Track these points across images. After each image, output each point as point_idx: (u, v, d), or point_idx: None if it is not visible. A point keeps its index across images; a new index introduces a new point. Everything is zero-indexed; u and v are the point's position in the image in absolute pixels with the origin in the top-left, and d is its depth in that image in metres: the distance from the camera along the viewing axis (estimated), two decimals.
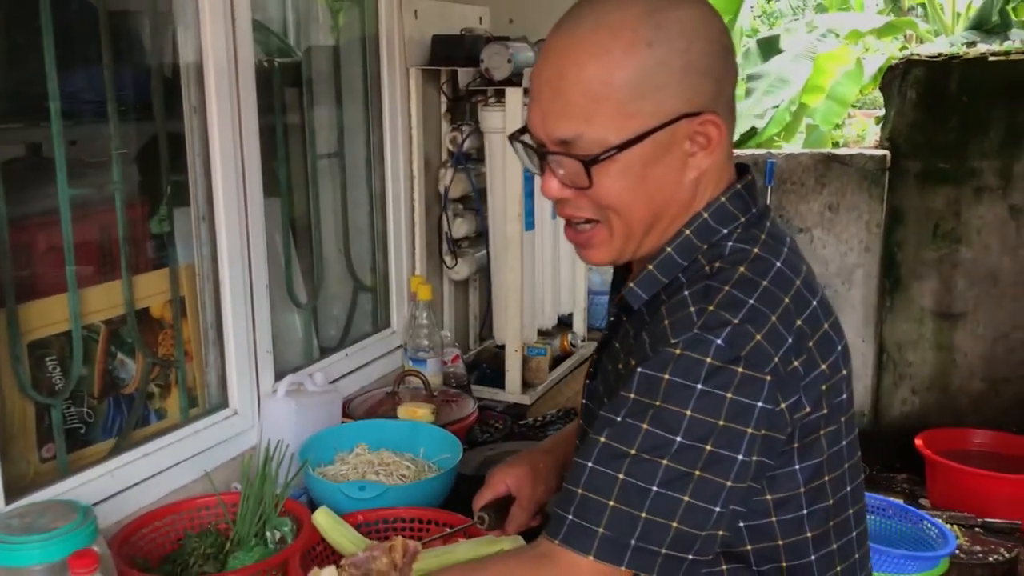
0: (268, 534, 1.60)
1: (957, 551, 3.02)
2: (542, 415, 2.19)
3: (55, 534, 1.29)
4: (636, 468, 0.94)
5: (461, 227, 2.48)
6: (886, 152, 3.83)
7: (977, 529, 3.40)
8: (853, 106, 8.37)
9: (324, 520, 1.56)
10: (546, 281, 2.59)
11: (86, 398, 1.69)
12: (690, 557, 0.94)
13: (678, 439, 0.93)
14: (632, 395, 0.97)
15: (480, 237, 2.54)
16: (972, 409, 3.91)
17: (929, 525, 3.06)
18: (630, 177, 1.03)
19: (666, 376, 0.95)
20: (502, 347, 2.60)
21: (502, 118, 2.28)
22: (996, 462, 3.63)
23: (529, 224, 2.38)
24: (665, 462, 0.93)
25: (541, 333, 2.63)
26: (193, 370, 1.87)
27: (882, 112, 3.89)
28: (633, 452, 0.94)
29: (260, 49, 2.10)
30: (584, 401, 1.23)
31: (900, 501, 3.41)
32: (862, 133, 8.50)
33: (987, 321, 3.83)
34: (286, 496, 1.65)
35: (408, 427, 1.95)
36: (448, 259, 2.50)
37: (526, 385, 2.41)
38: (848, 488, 1.09)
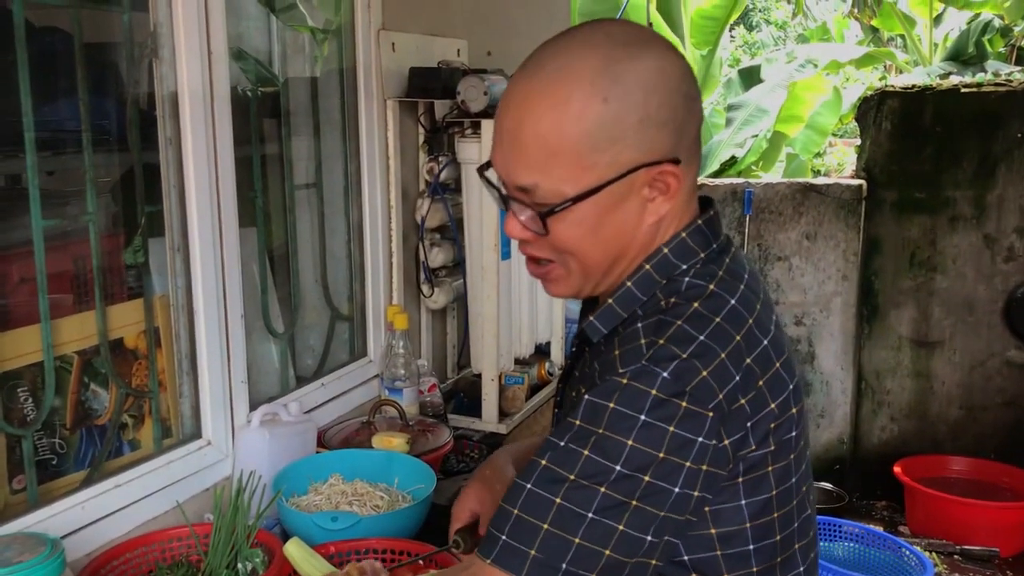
0: (240, 566, 1.60)
1: None
2: None
3: (21, 567, 1.28)
4: (573, 494, 0.95)
5: (438, 256, 2.49)
6: (862, 182, 3.88)
7: (956, 557, 3.42)
8: (834, 135, 8.47)
9: (295, 551, 1.56)
10: (523, 310, 2.60)
11: (58, 429, 1.69)
12: None
13: (617, 467, 0.94)
14: (577, 421, 0.98)
15: (457, 266, 2.56)
16: (950, 436, 3.94)
17: (908, 553, 3.07)
18: (586, 225, 1.05)
19: (611, 404, 0.96)
20: (479, 376, 2.61)
21: (478, 149, 2.31)
22: (975, 489, 3.65)
23: (505, 254, 2.40)
24: (603, 489, 0.94)
25: (518, 362, 2.64)
26: (167, 400, 1.87)
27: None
28: (572, 477, 0.95)
29: (246, 76, 2.12)
30: (556, 410, 1.24)
31: (879, 529, 3.43)
32: (843, 161, 8.59)
33: (964, 349, 3.87)
34: (258, 527, 1.65)
35: (383, 457, 1.95)
36: (425, 288, 2.51)
37: (503, 414, 2.42)
38: (795, 524, 1.10)
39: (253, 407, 1.96)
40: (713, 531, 1.03)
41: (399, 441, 2.00)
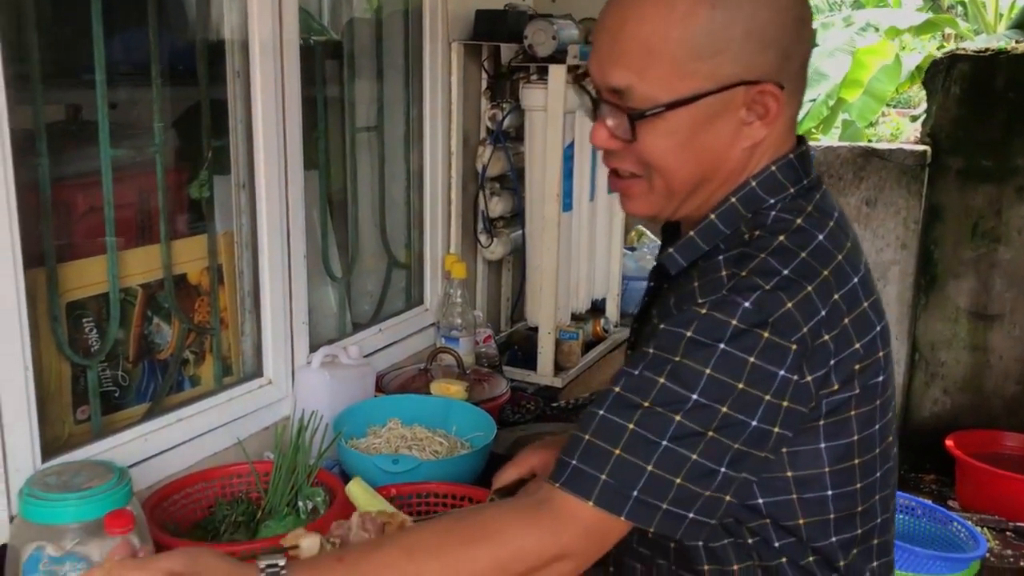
0: (300, 504, 1.59)
1: (988, 555, 2.98)
2: (574, 398, 2.17)
3: (91, 493, 1.28)
4: (648, 420, 0.92)
5: (497, 206, 2.45)
6: (926, 148, 3.77)
7: (1008, 533, 3.35)
8: (888, 104, 8.28)
9: (358, 491, 1.54)
10: (581, 264, 2.55)
11: (121, 361, 1.69)
12: (691, 516, 0.93)
13: (694, 397, 0.91)
14: (652, 350, 0.95)
15: (516, 217, 2.52)
16: (1005, 412, 3.85)
17: (959, 527, 3.01)
18: (676, 138, 1.00)
19: (688, 333, 0.93)
20: (534, 330, 2.58)
21: (544, 96, 2.25)
22: None
23: (567, 205, 2.35)
24: (678, 418, 0.91)
25: (574, 317, 2.60)
26: (228, 338, 1.86)
27: (917, 111, 3.84)
28: (646, 404, 0.92)
29: (311, 15, 2.09)
30: (628, 351, 1.21)
31: (929, 501, 3.37)
32: (896, 132, 8.40)
33: None
34: (319, 467, 1.64)
35: (441, 403, 1.93)
36: (483, 238, 2.48)
37: (558, 368, 2.39)
38: (878, 473, 1.06)
39: (312, 350, 1.95)
40: (790, 474, 1.00)
41: (457, 388, 1.97)
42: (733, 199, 1.04)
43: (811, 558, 1.03)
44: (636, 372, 0.94)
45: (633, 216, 1.16)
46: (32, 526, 1.27)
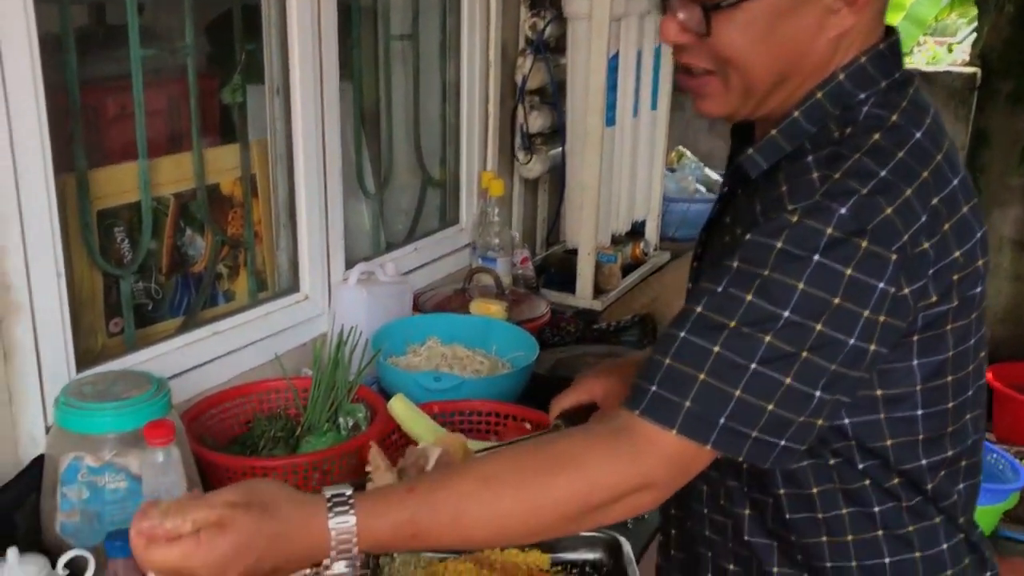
0: (341, 420, 1.55)
1: None
2: (615, 320, 2.10)
3: (129, 402, 1.23)
4: (734, 342, 0.84)
5: (537, 121, 2.36)
6: (976, 70, 3.62)
7: None
8: (924, 33, 8.01)
9: (401, 408, 1.49)
10: (622, 183, 2.47)
11: (154, 273, 1.63)
12: (782, 443, 0.86)
13: (785, 314, 0.83)
14: (736, 263, 0.86)
15: (555, 134, 2.42)
16: None
17: (998, 457, 2.96)
18: (755, 30, 0.91)
19: (778, 244, 0.84)
20: (571, 252, 2.51)
21: (588, 3, 2.14)
22: None
23: (610, 119, 2.26)
24: (768, 338, 0.83)
25: (612, 240, 2.52)
26: (262, 252, 1.80)
27: (954, 40, 3.68)
28: (732, 324, 0.84)
29: None
30: (689, 285, 1.13)
31: None
32: (933, 60, 8.15)
33: None
34: (359, 383, 1.59)
35: (481, 323, 1.88)
36: (521, 155, 2.39)
37: (597, 291, 2.32)
38: (970, 391, 0.98)
39: (348, 267, 1.89)
40: (879, 392, 0.93)
41: (497, 308, 1.91)
42: (819, 94, 0.95)
43: (896, 480, 0.96)
44: (719, 289, 0.86)
45: (707, 117, 1.05)
46: (69, 435, 1.23)
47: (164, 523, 0.78)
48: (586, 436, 0.89)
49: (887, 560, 0.97)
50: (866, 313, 0.84)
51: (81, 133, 1.44)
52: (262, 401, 1.61)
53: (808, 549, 0.97)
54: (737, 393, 0.84)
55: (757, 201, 0.93)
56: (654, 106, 2.54)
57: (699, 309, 0.87)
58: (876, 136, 0.89)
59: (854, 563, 0.97)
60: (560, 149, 2.41)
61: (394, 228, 2.24)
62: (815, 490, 0.95)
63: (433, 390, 1.61)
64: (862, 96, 0.94)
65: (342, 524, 0.81)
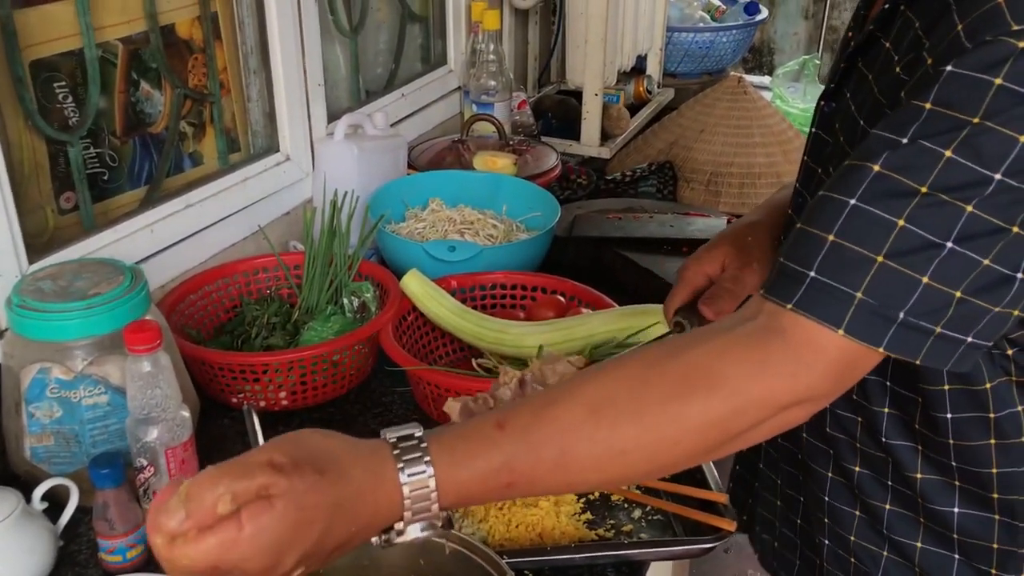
0: (345, 301, 1.34)
1: None
2: (630, 170, 1.88)
3: (101, 300, 1.01)
4: (926, 213, 0.63)
5: None
6: None
7: None
8: None
9: (416, 285, 1.29)
10: (627, 13, 2.18)
11: (107, 137, 1.37)
12: (968, 340, 0.67)
13: (997, 177, 0.62)
14: (929, 105, 0.64)
15: None
16: None
17: None
18: None
19: (997, 81, 0.62)
20: (566, 93, 2.27)
21: None
22: None
23: None
24: (970, 208, 0.63)
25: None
26: (231, 106, 1.53)
27: None
28: (924, 190, 0.63)
29: None
30: (814, 130, 0.90)
31: None
32: None
33: None
34: (360, 256, 1.38)
35: (489, 180, 1.65)
36: None
37: (604, 136, 2.09)
38: None
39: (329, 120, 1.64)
40: None
41: (505, 162, 1.68)
42: None
43: None
44: (905, 140, 0.65)
45: None
46: (29, 344, 1.01)
47: (188, 508, 0.57)
48: (719, 342, 0.68)
49: None
50: None
51: None
52: (249, 282, 1.39)
53: (967, 453, 0.80)
54: (924, 279, 0.64)
55: (955, 14, 0.67)
56: None
57: (876, 167, 0.65)
58: None
59: None
60: None
61: (373, 74, 1.96)
62: (988, 386, 0.78)
63: (447, 262, 1.40)
64: None
65: (416, 477, 0.62)
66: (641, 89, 2.31)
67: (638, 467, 0.68)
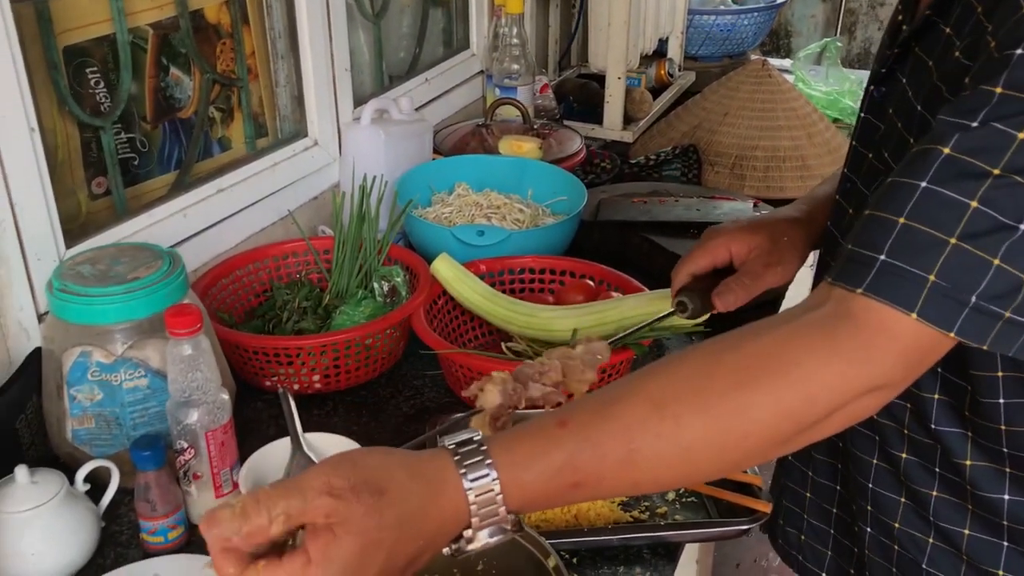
0: (376, 286, 1.34)
1: None
2: (654, 154, 1.88)
3: (140, 284, 1.01)
4: (999, 195, 0.62)
5: None
6: None
7: None
8: None
9: (447, 269, 1.29)
10: None
11: (137, 122, 1.37)
12: None
13: None
14: (1000, 89, 0.63)
15: None
16: None
17: None
18: None
19: None
20: (587, 77, 2.26)
21: None
22: None
23: None
24: None
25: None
26: (259, 91, 1.54)
27: None
28: (997, 172, 0.62)
29: None
30: (863, 115, 0.90)
31: None
32: None
33: None
34: (390, 241, 1.38)
35: (515, 164, 1.65)
36: None
37: (627, 119, 2.08)
38: None
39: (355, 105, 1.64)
40: None
41: (531, 146, 1.69)
42: None
43: None
44: (976, 124, 0.64)
45: None
46: (69, 327, 1.02)
47: (244, 524, 0.56)
48: (785, 330, 0.66)
49: None
50: None
51: None
52: (278, 267, 1.40)
53: (1020, 439, 0.79)
54: (996, 262, 0.63)
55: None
56: None
57: (947, 149, 0.64)
58: None
59: None
60: None
61: (395, 58, 1.97)
62: None
63: (476, 246, 1.41)
64: None
65: (479, 482, 0.61)
66: (663, 72, 2.31)
67: (706, 465, 0.66)
